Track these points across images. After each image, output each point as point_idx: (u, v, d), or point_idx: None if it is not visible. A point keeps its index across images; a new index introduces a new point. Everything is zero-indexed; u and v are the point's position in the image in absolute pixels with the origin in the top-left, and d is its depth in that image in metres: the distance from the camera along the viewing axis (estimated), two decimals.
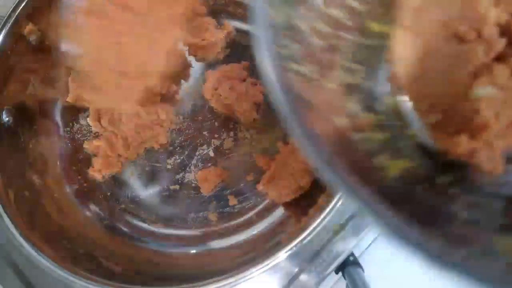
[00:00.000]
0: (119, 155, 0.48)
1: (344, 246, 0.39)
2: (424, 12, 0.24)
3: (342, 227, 0.39)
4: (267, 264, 0.36)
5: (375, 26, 0.27)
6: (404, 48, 0.24)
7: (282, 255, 0.36)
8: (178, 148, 0.50)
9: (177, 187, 0.49)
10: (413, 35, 0.24)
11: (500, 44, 0.21)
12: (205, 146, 0.50)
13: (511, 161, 0.23)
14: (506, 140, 0.22)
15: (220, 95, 0.47)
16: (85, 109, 0.50)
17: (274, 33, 0.20)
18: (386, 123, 0.26)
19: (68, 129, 0.50)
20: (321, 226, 0.36)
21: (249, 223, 0.46)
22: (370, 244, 0.44)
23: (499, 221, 0.21)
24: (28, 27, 0.43)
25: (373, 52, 0.28)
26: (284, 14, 0.21)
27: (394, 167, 0.23)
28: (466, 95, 0.22)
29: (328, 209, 0.37)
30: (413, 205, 0.22)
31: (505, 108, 0.21)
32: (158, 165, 0.50)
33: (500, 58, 0.22)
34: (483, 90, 0.21)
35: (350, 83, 0.27)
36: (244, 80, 0.48)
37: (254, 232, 0.45)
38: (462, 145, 0.22)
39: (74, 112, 0.50)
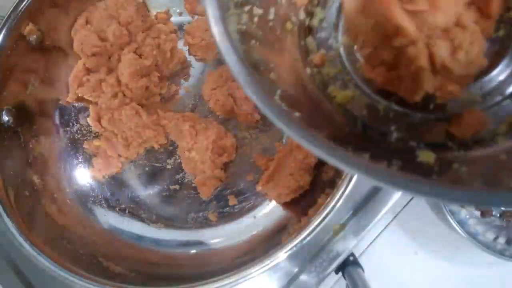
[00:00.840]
0: (119, 155, 0.49)
1: (344, 246, 0.39)
2: None
3: (342, 227, 0.39)
4: (267, 264, 0.36)
5: None
6: None
7: (282, 255, 0.36)
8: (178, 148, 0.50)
9: (177, 187, 0.49)
10: None
11: None
12: None
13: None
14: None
15: (218, 100, 0.47)
16: (85, 109, 0.50)
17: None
18: (338, 58, 0.31)
19: (68, 129, 0.50)
20: (321, 226, 0.36)
21: (249, 223, 0.46)
22: (370, 244, 0.44)
23: (422, 140, 0.26)
24: (28, 27, 0.43)
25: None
26: None
27: (341, 96, 0.28)
28: (389, 34, 0.24)
29: (328, 209, 0.37)
30: (356, 128, 0.27)
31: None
32: (158, 165, 0.50)
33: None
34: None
35: (309, 25, 0.31)
36: None
37: (254, 232, 0.45)
38: (381, 74, 0.26)
39: (74, 112, 0.50)
